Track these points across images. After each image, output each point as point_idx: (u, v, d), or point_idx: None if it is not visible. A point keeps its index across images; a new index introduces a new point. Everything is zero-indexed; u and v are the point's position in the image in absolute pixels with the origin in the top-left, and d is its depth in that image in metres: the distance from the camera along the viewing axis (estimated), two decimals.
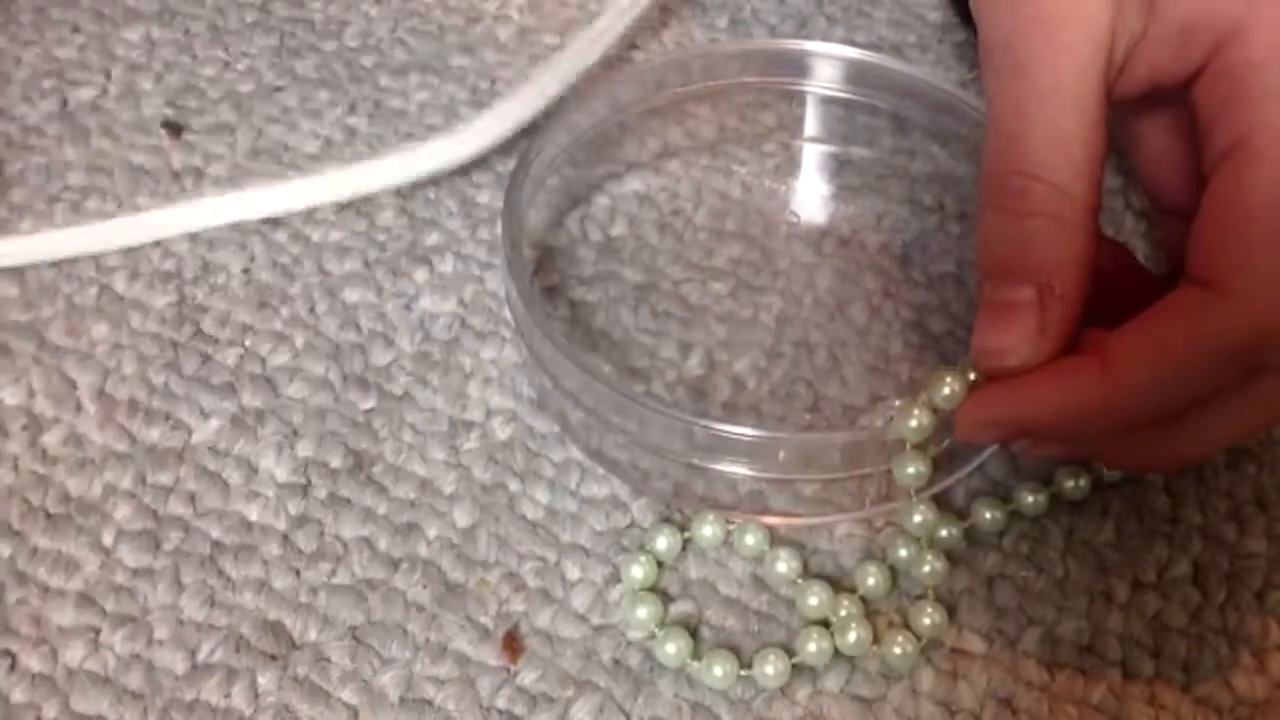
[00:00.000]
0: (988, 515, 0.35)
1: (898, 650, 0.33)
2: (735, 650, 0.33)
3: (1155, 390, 0.29)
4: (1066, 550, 0.35)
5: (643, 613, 0.33)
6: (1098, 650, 0.33)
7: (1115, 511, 0.36)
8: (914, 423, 0.32)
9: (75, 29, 0.48)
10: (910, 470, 0.33)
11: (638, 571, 0.34)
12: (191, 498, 0.35)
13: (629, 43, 0.47)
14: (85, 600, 0.34)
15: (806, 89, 0.43)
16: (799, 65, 0.43)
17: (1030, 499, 0.35)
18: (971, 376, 0.32)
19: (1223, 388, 0.29)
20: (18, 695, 0.32)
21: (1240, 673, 0.33)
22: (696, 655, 0.33)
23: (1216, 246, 0.29)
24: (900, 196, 0.43)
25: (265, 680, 0.32)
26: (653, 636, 0.33)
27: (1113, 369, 0.29)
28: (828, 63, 0.42)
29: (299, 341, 0.39)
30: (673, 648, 0.33)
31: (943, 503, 0.35)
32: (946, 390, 0.32)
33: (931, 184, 0.43)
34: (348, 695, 0.32)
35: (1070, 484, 0.35)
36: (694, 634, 0.33)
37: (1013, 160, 0.30)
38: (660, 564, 0.34)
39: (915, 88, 0.42)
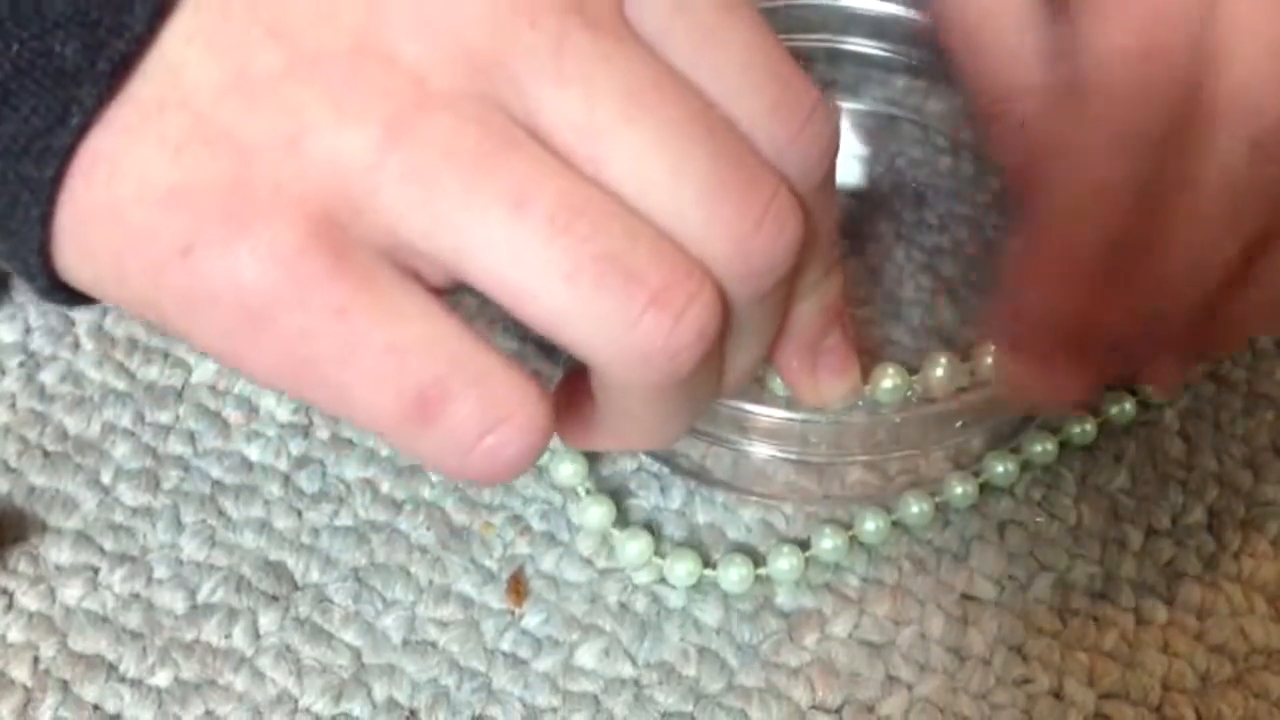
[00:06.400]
0: (1000, 469, 0.34)
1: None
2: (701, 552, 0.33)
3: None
4: (1079, 496, 0.35)
5: (597, 514, 0.33)
6: (1110, 596, 0.33)
7: (1129, 457, 0.35)
8: (888, 383, 0.33)
9: None
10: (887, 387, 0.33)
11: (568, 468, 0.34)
12: (191, 436, 0.35)
13: None
14: (83, 539, 0.33)
15: (815, 44, 0.42)
16: (805, 21, 0.42)
17: (1039, 448, 0.35)
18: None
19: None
20: (14, 634, 0.32)
21: (1255, 620, 0.33)
22: (660, 554, 0.33)
23: None
24: (913, 138, 0.42)
25: (266, 620, 0.32)
26: (606, 540, 0.33)
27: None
28: (835, 15, 0.42)
29: None
30: (635, 546, 0.32)
31: (956, 455, 0.35)
32: (889, 383, 0.33)
33: (945, 126, 0.43)
34: (350, 636, 0.32)
35: (1077, 430, 0.35)
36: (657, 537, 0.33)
37: None
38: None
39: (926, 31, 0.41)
